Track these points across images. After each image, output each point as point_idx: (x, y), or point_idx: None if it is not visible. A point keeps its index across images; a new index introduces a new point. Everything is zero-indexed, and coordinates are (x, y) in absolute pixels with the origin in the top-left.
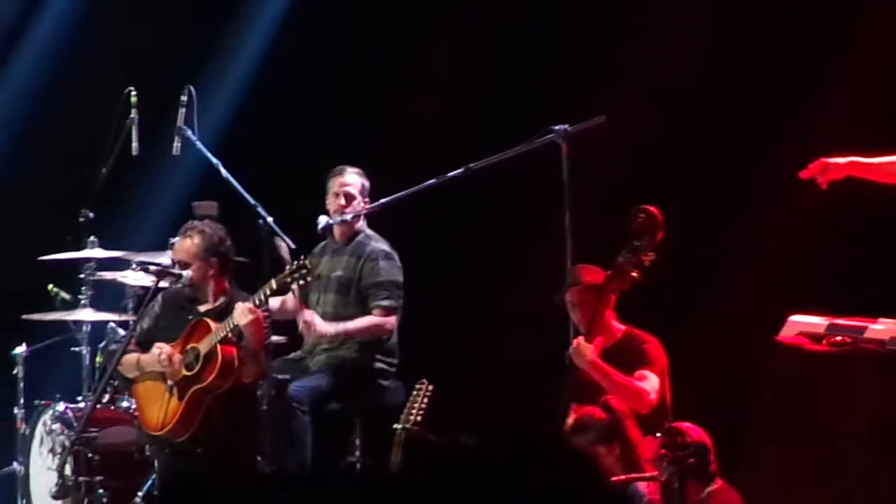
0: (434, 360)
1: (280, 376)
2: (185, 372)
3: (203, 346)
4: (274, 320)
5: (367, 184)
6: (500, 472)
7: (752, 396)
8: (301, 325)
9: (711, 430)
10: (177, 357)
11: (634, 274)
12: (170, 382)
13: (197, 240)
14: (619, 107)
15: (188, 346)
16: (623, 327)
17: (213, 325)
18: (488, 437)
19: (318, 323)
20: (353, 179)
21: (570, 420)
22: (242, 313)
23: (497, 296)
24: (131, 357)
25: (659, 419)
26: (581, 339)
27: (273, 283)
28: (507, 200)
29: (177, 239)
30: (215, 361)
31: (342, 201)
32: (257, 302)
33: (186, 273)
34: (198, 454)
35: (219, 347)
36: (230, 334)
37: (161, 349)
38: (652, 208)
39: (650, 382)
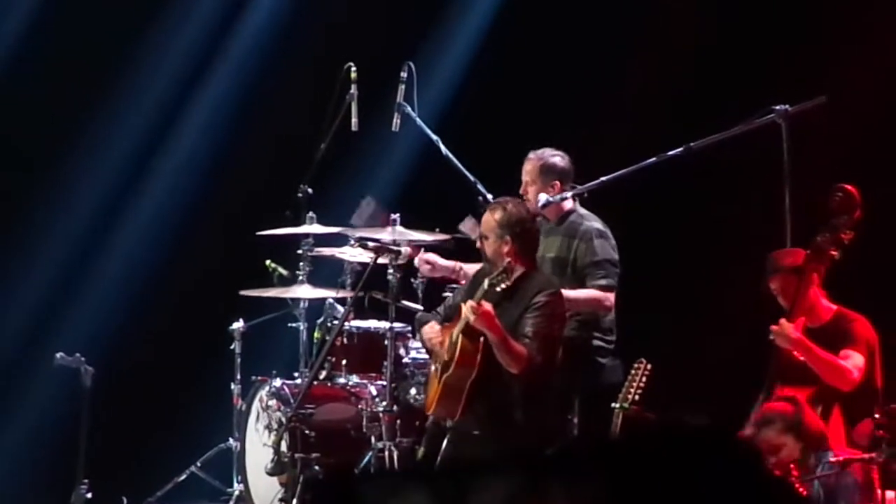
0: (652, 339)
1: None
2: (444, 357)
3: (454, 334)
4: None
5: (553, 165)
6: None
7: None
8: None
9: None
10: (441, 341)
11: (834, 252)
12: (436, 365)
13: (497, 215)
14: (841, 86)
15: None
16: (834, 307)
17: (463, 311)
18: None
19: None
20: (527, 166)
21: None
22: (467, 312)
23: (716, 276)
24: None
25: (867, 400)
26: (783, 320)
27: (485, 284)
28: (727, 180)
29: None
30: (455, 351)
31: (522, 188)
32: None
33: (405, 249)
34: (475, 436)
35: (461, 337)
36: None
37: (430, 331)
38: (849, 187)
39: (853, 360)
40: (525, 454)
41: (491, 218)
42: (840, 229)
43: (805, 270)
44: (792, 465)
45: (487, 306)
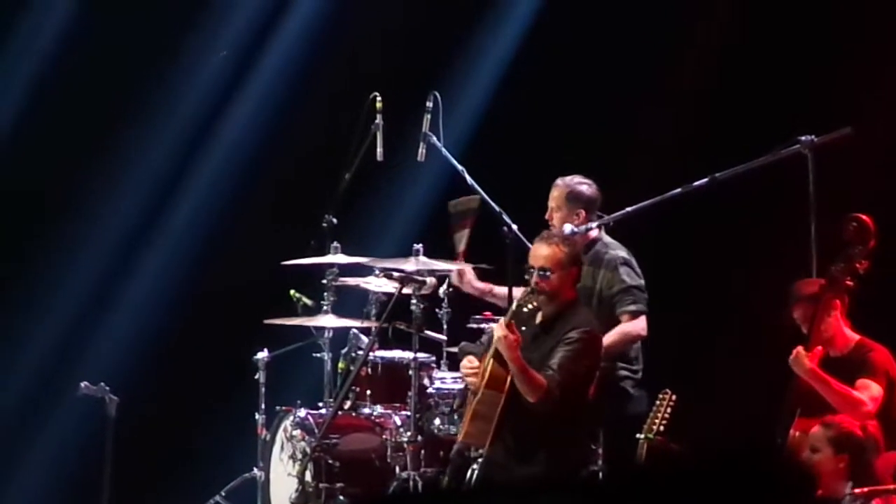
0: (677, 370)
1: None
2: (479, 383)
3: (487, 358)
4: None
5: (580, 193)
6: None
7: None
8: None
9: None
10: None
11: (849, 282)
12: (472, 389)
13: (565, 248)
14: (867, 116)
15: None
16: (856, 337)
17: (494, 335)
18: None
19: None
20: (554, 192)
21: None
22: (496, 329)
23: (741, 307)
24: None
25: (888, 431)
26: (800, 348)
27: (513, 306)
28: (753, 211)
29: (537, 244)
30: (485, 374)
31: (548, 214)
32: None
33: (430, 280)
34: (503, 466)
35: (491, 362)
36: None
37: (465, 363)
38: (864, 216)
39: (870, 392)
40: (568, 480)
41: (559, 251)
42: (855, 259)
43: (821, 299)
44: None
45: (515, 335)
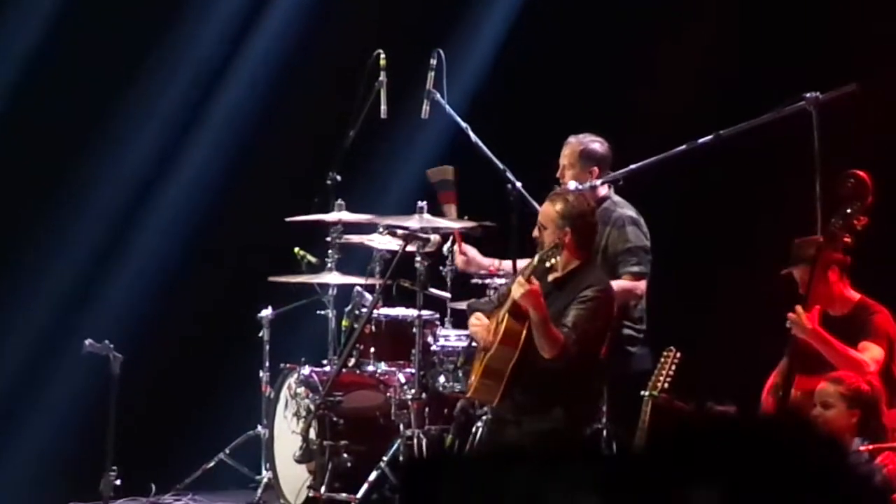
0: (682, 328)
1: None
2: (489, 339)
3: (501, 313)
4: None
5: (594, 151)
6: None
7: None
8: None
9: None
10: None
11: (847, 239)
12: (481, 353)
13: (559, 206)
14: (873, 73)
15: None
16: (857, 297)
17: (511, 291)
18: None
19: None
20: (566, 150)
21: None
22: (516, 287)
23: (746, 264)
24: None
25: (889, 392)
26: (799, 308)
27: (535, 259)
28: (758, 168)
29: None
30: (500, 330)
31: (559, 172)
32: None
33: (433, 237)
34: (511, 423)
35: (507, 317)
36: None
37: (474, 320)
38: (861, 173)
39: (871, 353)
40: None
41: (552, 209)
42: (852, 216)
43: (818, 258)
44: None
45: (536, 284)
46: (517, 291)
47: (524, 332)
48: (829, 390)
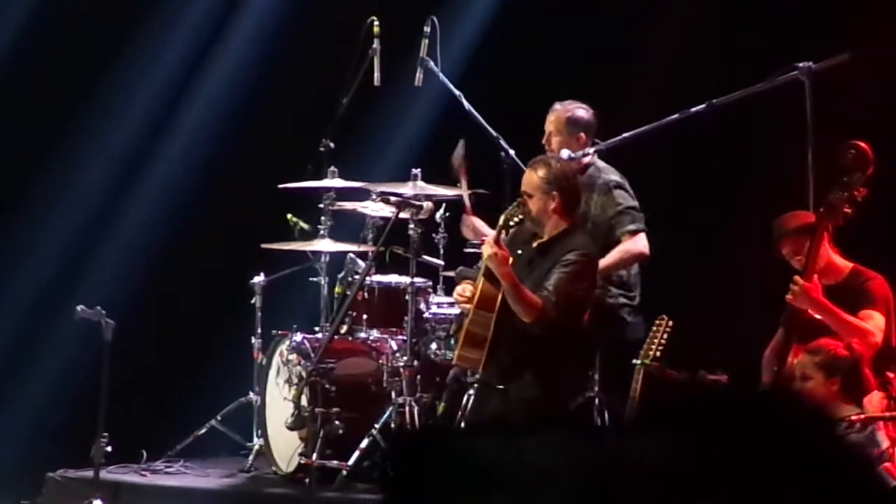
0: (674, 296)
1: None
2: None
3: (478, 277)
4: None
5: (579, 118)
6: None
7: None
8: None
9: None
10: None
11: (848, 210)
12: (465, 312)
13: (541, 172)
14: (866, 42)
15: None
16: (849, 265)
17: (483, 255)
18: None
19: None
20: (551, 117)
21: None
22: (485, 248)
23: (737, 233)
24: None
25: (885, 360)
26: (797, 278)
27: (501, 220)
28: (750, 138)
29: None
30: (475, 294)
31: (544, 139)
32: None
33: (427, 204)
34: (497, 390)
35: (482, 280)
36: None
37: (458, 289)
38: (862, 143)
39: (875, 322)
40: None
41: (535, 175)
42: (853, 186)
43: (818, 228)
44: None
45: (505, 251)
46: (486, 253)
47: (500, 295)
48: (806, 362)
